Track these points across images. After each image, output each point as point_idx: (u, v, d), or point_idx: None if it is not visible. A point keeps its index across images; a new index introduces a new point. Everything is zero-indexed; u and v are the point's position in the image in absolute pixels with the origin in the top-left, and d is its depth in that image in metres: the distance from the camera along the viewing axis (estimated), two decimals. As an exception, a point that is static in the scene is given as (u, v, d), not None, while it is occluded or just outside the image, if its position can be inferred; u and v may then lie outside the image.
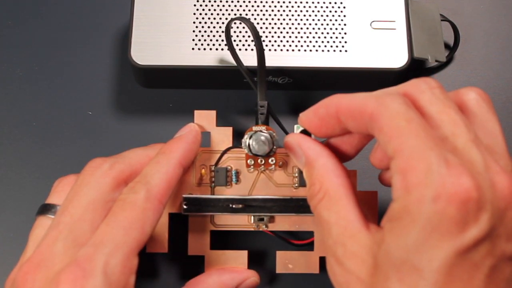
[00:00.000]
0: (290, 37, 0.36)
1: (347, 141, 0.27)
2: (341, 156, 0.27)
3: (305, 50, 0.36)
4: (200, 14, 0.36)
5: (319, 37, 0.36)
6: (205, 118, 0.33)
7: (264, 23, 0.36)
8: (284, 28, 0.36)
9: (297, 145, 0.27)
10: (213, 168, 0.32)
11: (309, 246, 0.32)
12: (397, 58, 0.36)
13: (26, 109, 0.38)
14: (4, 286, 0.27)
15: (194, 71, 0.36)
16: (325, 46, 0.36)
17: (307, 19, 0.37)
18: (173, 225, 0.32)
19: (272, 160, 0.31)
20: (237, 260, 0.32)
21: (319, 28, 0.36)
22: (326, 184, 0.25)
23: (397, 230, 0.21)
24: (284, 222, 0.32)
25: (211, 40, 0.36)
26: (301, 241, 0.34)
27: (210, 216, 0.32)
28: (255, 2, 0.37)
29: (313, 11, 0.37)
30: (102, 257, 0.24)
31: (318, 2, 0.37)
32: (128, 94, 0.38)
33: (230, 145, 0.32)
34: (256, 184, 0.32)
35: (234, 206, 0.31)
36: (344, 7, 0.37)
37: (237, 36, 0.36)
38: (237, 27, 0.36)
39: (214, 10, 0.36)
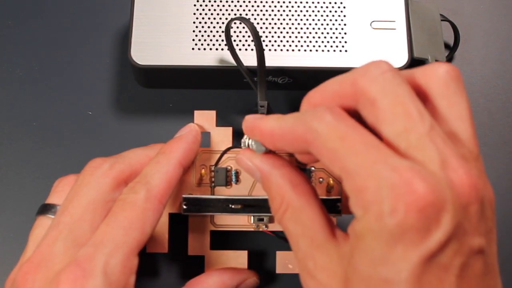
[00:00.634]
0: (290, 37, 0.36)
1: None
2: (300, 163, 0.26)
3: (305, 50, 0.36)
4: (200, 14, 0.36)
5: (319, 37, 0.36)
6: (205, 118, 0.33)
7: (264, 23, 0.36)
8: (284, 28, 0.36)
9: (249, 161, 0.27)
10: (213, 168, 0.32)
11: (309, 246, 0.32)
12: (397, 58, 0.36)
13: (26, 109, 0.38)
14: (4, 286, 0.27)
15: (194, 71, 0.36)
16: (325, 46, 0.36)
17: (307, 19, 0.37)
18: (173, 225, 0.32)
19: (272, 160, 0.31)
20: (237, 260, 0.32)
21: (319, 28, 0.36)
22: (287, 196, 0.25)
23: (362, 247, 0.21)
24: (284, 222, 0.32)
25: (211, 40, 0.36)
26: (301, 241, 0.33)
27: (210, 216, 0.32)
28: (255, 2, 0.37)
29: (313, 11, 0.37)
30: (102, 257, 0.24)
31: (318, 2, 0.37)
32: (128, 94, 0.38)
33: (230, 145, 0.32)
34: (256, 184, 0.32)
35: (234, 206, 0.31)
36: (344, 7, 0.37)
37: (237, 36, 0.36)
38: (237, 27, 0.36)
39: (214, 10, 0.36)
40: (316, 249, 0.23)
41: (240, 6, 0.37)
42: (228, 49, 0.34)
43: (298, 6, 0.37)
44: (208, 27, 0.36)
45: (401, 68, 0.36)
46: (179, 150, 0.29)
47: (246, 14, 0.36)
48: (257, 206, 0.31)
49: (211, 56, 0.35)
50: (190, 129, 0.31)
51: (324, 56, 0.36)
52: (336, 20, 0.37)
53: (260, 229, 0.32)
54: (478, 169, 0.22)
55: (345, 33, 0.36)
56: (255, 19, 0.36)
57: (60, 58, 0.39)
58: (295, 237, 0.24)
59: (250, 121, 0.26)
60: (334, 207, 0.31)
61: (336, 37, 0.36)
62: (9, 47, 0.39)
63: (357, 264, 0.21)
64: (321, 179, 0.32)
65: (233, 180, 0.32)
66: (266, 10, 0.37)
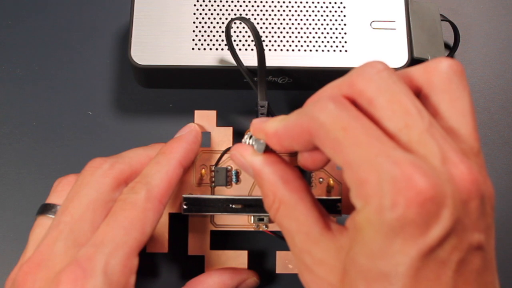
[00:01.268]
0: (290, 37, 0.36)
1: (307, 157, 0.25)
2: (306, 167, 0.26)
3: (305, 50, 0.36)
4: (200, 14, 0.36)
5: (319, 37, 0.36)
6: (205, 118, 0.33)
7: (264, 23, 0.36)
8: (284, 28, 0.36)
9: (242, 157, 0.27)
10: (213, 168, 0.32)
11: (309, 246, 0.32)
12: (397, 58, 0.36)
13: (26, 109, 0.38)
14: (4, 286, 0.27)
15: (194, 71, 0.36)
16: (325, 46, 0.36)
17: (307, 19, 0.37)
18: (173, 225, 0.32)
19: (272, 160, 0.31)
20: (237, 260, 0.32)
21: (319, 28, 0.36)
22: (279, 193, 0.25)
23: (361, 239, 0.21)
24: (284, 222, 0.32)
25: (211, 40, 0.36)
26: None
27: (210, 216, 0.32)
28: (255, 2, 0.37)
29: (313, 11, 0.37)
30: (102, 257, 0.24)
31: (318, 2, 0.37)
32: (128, 94, 0.38)
33: (230, 145, 0.32)
34: (256, 184, 0.32)
35: (234, 206, 0.31)
36: (344, 7, 0.37)
37: (237, 36, 0.36)
38: (237, 27, 0.36)
39: (214, 10, 0.36)
40: (312, 243, 0.23)
41: (240, 6, 0.37)
42: (228, 49, 0.34)
43: (298, 6, 0.37)
44: (208, 27, 0.36)
45: (401, 69, 0.36)
46: (180, 150, 0.29)
47: (246, 14, 0.36)
48: (257, 206, 0.31)
49: (211, 56, 0.35)
50: (190, 129, 0.31)
51: (324, 56, 0.36)
52: (336, 20, 0.37)
53: (260, 229, 0.32)
54: (478, 165, 0.22)
55: (345, 33, 0.36)
56: (255, 19, 0.36)
57: (60, 58, 0.39)
58: (290, 233, 0.24)
59: (256, 125, 0.26)
60: (334, 207, 0.31)
61: (336, 37, 0.36)
62: (9, 47, 0.39)
63: (355, 256, 0.21)
64: (321, 179, 0.32)
65: (233, 180, 0.32)
66: (266, 10, 0.37)
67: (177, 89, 0.38)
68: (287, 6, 0.37)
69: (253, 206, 0.31)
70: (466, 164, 0.21)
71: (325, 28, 0.36)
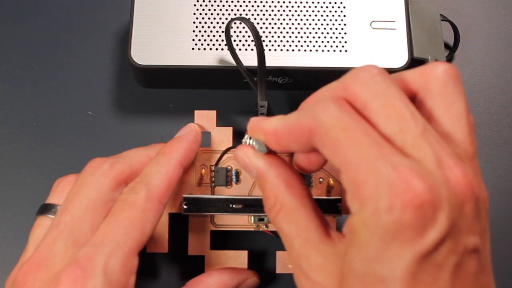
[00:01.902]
0: (290, 37, 0.36)
1: (305, 158, 0.25)
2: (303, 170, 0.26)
3: (305, 50, 0.36)
4: (200, 14, 0.36)
5: (319, 37, 0.36)
6: (205, 118, 0.33)
7: (264, 23, 0.36)
8: (284, 28, 0.36)
9: (247, 158, 0.26)
10: (213, 168, 0.32)
11: (309, 246, 0.32)
12: (397, 58, 0.36)
13: (26, 109, 0.38)
14: (4, 286, 0.27)
15: (194, 71, 0.36)
16: (325, 46, 0.36)
17: (307, 19, 0.37)
18: (173, 225, 0.32)
19: (272, 160, 0.31)
20: (237, 260, 0.32)
21: (319, 28, 0.36)
22: (280, 196, 0.25)
23: (357, 243, 0.21)
24: (284, 222, 0.32)
25: (211, 40, 0.36)
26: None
27: (210, 216, 0.32)
28: (255, 2, 0.37)
29: (313, 11, 0.37)
30: (102, 257, 0.24)
31: (318, 2, 0.37)
32: (128, 94, 0.38)
33: (230, 145, 0.32)
34: (256, 184, 0.32)
35: (234, 206, 0.31)
36: (344, 7, 0.37)
37: (237, 36, 0.36)
38: (237, 27, 0.36)
39: (214, 10, 0.36)
40: (311, 249, 0.23)
41: (240, 6, 0.37)
42: (228, 49, 0.34)
43: (298, 6, 0.37)
44: (208, 27, 0.36)
45: (401, 69, 0.36)
46: (180, 150, 0.29)
47: (246, 14, 0.37)
48: (258, 206, 0.31)
49: (211, 56, 0.35)
50: (190, 129, 0.31)
51: (324, 56, 0.36)
52: (336, 20, 0.37)
53: (260, 229, 0.32)
54: (473, 169, 0.22)
55: (345, 33, 0.36)
56: (255, 19, 0.36)
57: (60, 58, 0.39)
58: (289, 237, 0.24)
59: (254, 123, 0.26)
60: (334, 207, 0.31)
61: (336, 37, 0.36)
62: (9, 47, 0.39)
63: (352, 261, 0.21)
64: (321, 179, 0.32)
65: (234, 180, 0.32)
66: (266, 10, 0.37)
67: (177, 89, 0.38)
68: (287, 6, 0.37)
69: (253, 206, 0.31)
70: (461, 168, 0.21)
71: (325, 28, 0.36)
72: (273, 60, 0.35)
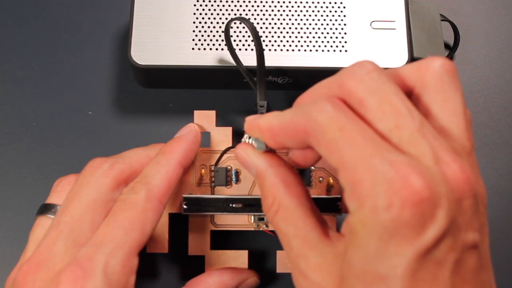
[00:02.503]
0: (290, 37, 0.36)
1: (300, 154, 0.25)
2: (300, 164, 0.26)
3: (305, 50, 0.36)
4: (200, 14, 0.36)
5: (319, 37, 0.36)
6: (205, 118, 0.33)
7: (264, 23, 0.36)
8: (284, 28, 0.36)
9: (247, 156, 0.27)
10: (213, 168, 0.32)
11: (309, 246, 0.32)
12: (397, 58, 0.36)
13: (26, 109, 0.38)
14: (4, 286, 0.27)
15: (194, 71, 0.36)
16: (325, 46, 0.36)
17: (307, 19, 0.37)
18: (173, 225, 0.32)
19: (272, 160, 0.31)
20: (237, 260, 0.32)
21: (319, 28, 0.36)
22: (278, 196, 0.25)
23: (356, 242, 0.21)
24: (284, 222, 0.32)
25: (211, 40, 0.36)
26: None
27: (210, 216, 0.32)
28: (255, 2, 0.37)
29: (313, 11, 0.37)
30: (102, 257, 0.24)
31: (318, 2, 0.37)
32: (128, 94, 0.38)
33: (230, 145, 0.32)
34: (256, 184, 0.32)
35: (234, 205, 0.31)
36: (344, 7, 0.37)
37: (237, 36, 0.36)
38: (237, 27, 0.36)
39: (214, 10, 0.36)
40: (309, 248, 0.23)
41: (240, 6, 0.37)
42: (228, 49, 0.34)
43: (298, 6, 0.37)
44: (208, 27, 0.36)
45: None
46: (179, 150, 0.29)
47: (246, 14, 0.37)
48: (257, 206, 0.31)
49: (211, 56, 0.35)
50: (190, 129, 0.31)
51: (324, 56, 0.36)
52: (336, 20, 0.37)
53: (261, 229, 0.32)
54: (471, 164, 0.22)
55: (345, 33, 0.36)
56: (255, 19, 0.36)
57: (60, 58, 0.39)
58: (287, 237, 0.24)
59: (250, 121, 0.26)
60: (334, 206, 0.31)
61: (336, 37, 0.36)
62: (9, 47, 0.39)
63: (351, 260, 0.21)
64: (321, 179, 0.32)
65: (233, 179, 0.32)
66: (266, 10, 0.37)
67: (177, 89, 0.38)
68: (287, 6, 0.37)
69: (253, 205, 0.31)
70: (459, 163, 0.21)
71: (325, 28, 0.36)
72: (273, 60, 0.35)
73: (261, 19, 0.37)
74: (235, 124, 0.37)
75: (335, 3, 0.37)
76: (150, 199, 0.27)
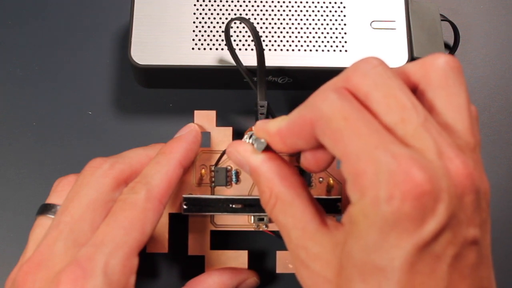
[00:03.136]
0: (290, 37, 0.36)
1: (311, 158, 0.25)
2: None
3: (305, 50, 0.36)
4: (200, 14, 0.36)
5: (319, 37, 0.36)
6: (205, 118, 0.33)
7: (264, 23, 0.36)
8: (284, 28, 0.36)
9: (238, 155, 0.27)
10: (213, 168, 0.32)
11: (309, 246, 0.32)
12: (397, 58, 0.36)
13: (26, 109, 0.38)
14: (4, 286, 0.27)
15: (194, 71, 0.36)
16: (325, 46, 0.36)
17: (307, 19, 0.37)
18: (173, 225, 0.32)
19: (272, 160, 0.31)
20: (237, 260, 0.32)
21: (319, 28, 0.36)
22: (275, 189, 0.25)
23: (356, 233, 0.21)
24: (284, 222, 0.32)
25: (211, 40, 0.36)
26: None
27: (210, 216, 0.32)
28: (255, 2, 0.37)
29: (313, 11, 0.37)
30: (102, 257, 0.24)
31: (318, 2, 0.37)
32: (128, 94, 0.38)
33: (230, 145, 0.32)
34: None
35: (234, 206, 0.31)
36: (344, 7, 0.37)
37: (237, 36, 0.36)
38: (237, 27, 0.36)
39: (214, 10, 0.36)
40: (308, 239, 0.24)
41: (240, 6, 0.37)
42: (228, 49, 0.34)
43: (298, 6, 0.37)
44: (208, 27, 0.36)
45: (401, 68, 0.36)
46: (179, 150, 0.29)
47: (246, 14, 0.36)
48: (257, 206, 0.31)
49: (211, 56, 0.35)
50: (190, 129, 0.31)
51: (324, 56, 0.36)
52: (336, 20, 0.37)
53: (260, 229, 0.32)
54: (474, 160, 0.22)
55: (345, 33, 0.36)
56: (255, 19, 0.36)
57: (60, 58, 0.39)
58: (286, 228, 0.24)
59: (259, 126, 0.26)
60: (334, 207, 0.31)
61: (336, 37, 0.36)
62: (9, 47, 0.39)
63: (351, 250, 0.21)
64: (321, 179, 0.32)
65: (233, 180, 0.32)
66: (266, 10, 0.37)
67: (177, 89, 0.38)
68: (287, 6, 0.37)
69: (253, 206, 0.31)
70: (461, 159, 0.21)
71: (325, 28, 0.36)
72: (273, 60, 0.35)
73: (261, 19, 0.37)
74: (235, 124, 0.37)
75: (335, 3, 0.37)
76: (150, 199, 0.27)
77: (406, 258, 0.20)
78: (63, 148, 0.37)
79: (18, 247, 0.29)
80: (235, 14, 0.36)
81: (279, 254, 0.32)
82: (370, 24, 0.37)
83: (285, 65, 0.36)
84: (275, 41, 0.36)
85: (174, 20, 0.36)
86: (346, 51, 0.36)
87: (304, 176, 0.32)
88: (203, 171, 0.32)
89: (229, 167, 0.32)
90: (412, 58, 0.36)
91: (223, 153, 0.32)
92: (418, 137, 0.21)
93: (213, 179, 0.32)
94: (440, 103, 0.23)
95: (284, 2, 0.37)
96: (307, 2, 0.37)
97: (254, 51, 0.33)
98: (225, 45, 0.36)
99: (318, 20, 0.37)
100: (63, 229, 0.26)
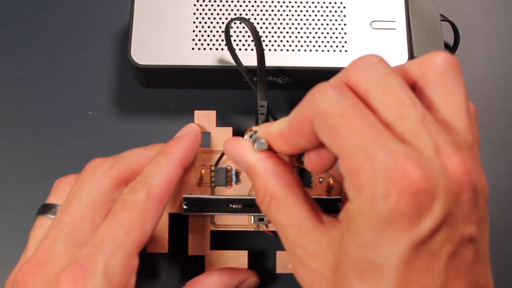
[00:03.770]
0: (290, 37, 0.36)
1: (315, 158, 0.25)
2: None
3: (305, 50, 0.36)
4: (200, 14, 0.36)
5: (319, 37, 0.36)
6: (205, 118, 0.33)
7: (264, 23, 0.36)
8: (284, 28, 0.36)
9: (235, 151, 0.27)
10: (213, 168, 0.32)
11: (309, 246, 0.32)
12: (397, 58, 0.36)
13: (26, 109, 0.38)
14: (4, 286, 0.27)
15: (194, 71, 0.36)
16: (325, 46, 0.36)
17: (307, 19, 0.37)
18: (173, 225, 0.32)
19: (272, 160, 0.31)
20: (237, 260, 0.32)
21: (319, 28, 0.36)
22: (269, 187, 0.25)
23: (353, 230, 0.21)
24: (284, 222, 0.32)
25: (211, 40, 0.36)
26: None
27: (210, 216, 0.32)
28: (255, 2, 0.37)
29: (313, 11, 0.37)
30: (102, 257, 0.24)
31: (318, 2, 0.37)
32: (128, 94, 0.38)
33: (230, 145, 0.32)
34: (256, 184, 0.32)
35: (234, 206, 0.31)
36: (344, 7, 0.37)
37: (237, 36, 0.36)
38: (237, 27, 0.36)
39: (214, 10, 0.36)
40: (304, 236, 0.24)
41: (240, 6, 0.37)
42: (228, 49, 0.34)
43: (298, 6, 0.37)
44: (208, 27, 0.36)
45: (401, 68, 0.36)
46: (180, 150, 0.29)
47: (246, 14, 0.36)
48: (257, 206, 0.31)
49: (211, 56, 0.35)
50: (190, 129, 0.31)
51: (324, 56, 0.36)
52: (336, 20, 0.37)
53: (260, 229, 0.32)
54: (472, 158, 0.22)
55: (345, 33, 0.36)
56: (255, 19, 0.36)
57: (60, 58, 0.39)
58: (282, 226, 0.24)
59: (262, 128, 0.26)
60: (334, 207, 0.31)
61: (336, 37, 0.36)
62: (9, 47, 0.39)
63: (347, 247, 0.21)
64: (321, 179, 0.32)
65: (233, 180, 0.32)
66: (266, 10, 0.37)
67: (177, 89, 0.38)
68: (287, 6, 0.37)
69: (253, 206, 0.31)
70: (459, 156, 0.21)
71: (325, 28, 0.36)
72: (273, 60, 0.35)
73: (261, 19, 0.37)
74: (235, 124, 0.37)
75: (335, 3, 0.37)
76: (150, 199, 0.27)
77: (402, 255, 0.20)
78: (63, 148, 0.37)
79: (18, 247, 0.29)
80: (235, 14, 0.36)
81: (279, 254, 0.32)
82: (370, 24, 0.37)
83: (285, 65, 0.36)
84: (275, 41, 0.36)
85: (174, 20, 0.36)
86: (346, 51, 0.36)
87: (304, 176, 0.32)
88: (203, 171, 0.32)
89: (229, 167, 0.32)
90: (412, 58, 0.36)
91: (223, 153, 0.32)
92: (416, 134, 0.21)
93: (213, 179, 0.32)
94: (438, 101, 0.23)
95: (284, 2, 0.37)
96: (307, 2, 0.37)
97: (254, 51, 0.33)
98: (225, 45, 0.36)
99: (318, 20, 0.37)
100: (63, 229, 0.26)
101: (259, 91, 0.32)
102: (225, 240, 0.34)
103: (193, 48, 0.36)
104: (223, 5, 0.37)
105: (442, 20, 0.38)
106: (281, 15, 0.37)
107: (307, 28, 0.36)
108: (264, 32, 0.36)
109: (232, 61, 0.35)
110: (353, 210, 0.21)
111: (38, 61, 0.39)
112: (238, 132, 0.34)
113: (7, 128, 0.37)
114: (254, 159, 0.26)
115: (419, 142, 0.21)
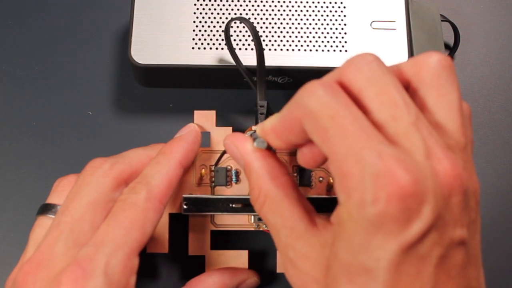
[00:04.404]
0: (290, 37, 0.36)
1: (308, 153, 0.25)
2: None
3: (305, 50, 0.36)
4: (200, 13, 0.36)
5: (319, 37, 0.36)
6: (205, 118, 0.33)
7: (264, 23, 0.36)
8: (284, 28, 0.36)
9: (235, 147, 0.27)
10: (213, 168, 0.32)
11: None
12: (397, 58, 0.36)
13: (26, 109, 0.38)
14: (4, 286, 0.27)
15: (194, 70, 0.36)
16: (325, 46, 0.36)
17: (307, 19, 0.37)
18: (174, 225, 0.32)
19: (272, 160, 0.31)
20: (237, 260, 0.32)
21: (319, 28, 0.36)
22: (264, 187, 0.25)
23: (343, 234, 0.21)
24: (284, 222, 0.32)
25: (211, 39, 0.36)
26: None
27: (210, 216, 0.32)
28: (255, 2, 0.37)
29: (313, 11, 0.37)
30: (103, 257, 0.24)
31: (318, 2, 0.37)
32: (128, 94, 0.38)
33: (230, 145, 0.32)
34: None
35: (234, 205, 0.31)
36: (344, 7, 0.37)
37: (237, 36, 0.36)
38: (237, 27, 0.36)
39: (214, 9, 0.36)
40: (297, 239, 0.24)
41: (240, 6, 0.37)
42: (228, 49, 0.34)
43: (298, 6, 0.37)
44: (208, 26, 0.36)
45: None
46: (180, 150, 0.29)
47: (246, 14, 0.37)
48: (257, 206, 0.31)
49: (211, 55, 0.35)
50: (190, 129, 0.31)
51: (324, 56, 0.36)
52: (336, 20, 0.37)
53: (261, 229, 0.32)
54: (464, 160, 0.22)
55: (345, 33, 0.36)
56: (255, 19, 0.36)
57: (60, 58, 0.39)
58: (275, 227, 0.25)
59: (259, 126, 0.26)
60: (334, 207, 0.31)
61: (336, 37, 0.36)
62: (9, 47, 0.39)
63: (338, 251, 0.21)
64: (321, 179, 0.32)
65: (233, 179, 0.32)
66: (266, 10, 0.37)
67: (177, 89, 0.38)
68: (287, 6, 0.37)
69: (253, 206, 0.31)
70: (450, 159, 0.21)
71: (325, 28, 0.36)
72: (273, 60, 0.35)
73: (261, 19, 0.37)
74: (235, 124, 0.38)
75: (335, 3, 0.37)
76: (151, 199, 0.27)
77: (392, 259, 0.20)
78: (63, 148, 0.37)
79: (18, 247, 0.29)
80: (235, 14, 0.36)
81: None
82: (370, 24, 0.37)
83: (285, 65, 0.36)
84: (275, 41, 0.36)
85: (174, 20, 0.36)
86: (346, 51, 0.36)
87: (304, 176, 0.32)
88: (203, 171, 0.32)
89: (229, 167, 0.32)
90: (412, 58, 0.36)
91: (223, 153, 0.32)
92: (408, 136, 0.21)
93: (213, 179, 0.32)
94: (431, 102, 0.23)
95: (284, 2, 0.37)
96: (307, 2, 0.37)
97: (254, 51, 0.33)
98: (225, 45, 0.36)
99: (318, 20, 0.37)
100: (64, 229, 0.26)
101: (258, 90, 0.32)
102: (225, 240, 0.34)
103: (193, 48, 0.36)
104: (223, 5, 0.37)
105: (442, 20, 0.38)
106: (281, 15, 0.37)
107: (307, 28, 0.36)
108: (264, 32, 0.36)
109: (232, 61, 0.35)
110: (343, 214, 0.21)
111: (38, 61, 0.39)
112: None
113: (7, 128, 0.37)
114: (252, 157, 0.26)
115: (411, 145, 0.21)
